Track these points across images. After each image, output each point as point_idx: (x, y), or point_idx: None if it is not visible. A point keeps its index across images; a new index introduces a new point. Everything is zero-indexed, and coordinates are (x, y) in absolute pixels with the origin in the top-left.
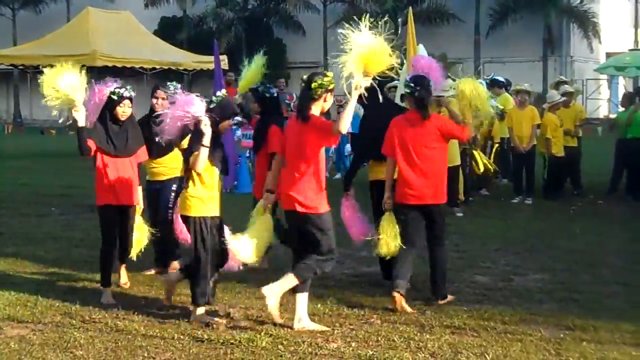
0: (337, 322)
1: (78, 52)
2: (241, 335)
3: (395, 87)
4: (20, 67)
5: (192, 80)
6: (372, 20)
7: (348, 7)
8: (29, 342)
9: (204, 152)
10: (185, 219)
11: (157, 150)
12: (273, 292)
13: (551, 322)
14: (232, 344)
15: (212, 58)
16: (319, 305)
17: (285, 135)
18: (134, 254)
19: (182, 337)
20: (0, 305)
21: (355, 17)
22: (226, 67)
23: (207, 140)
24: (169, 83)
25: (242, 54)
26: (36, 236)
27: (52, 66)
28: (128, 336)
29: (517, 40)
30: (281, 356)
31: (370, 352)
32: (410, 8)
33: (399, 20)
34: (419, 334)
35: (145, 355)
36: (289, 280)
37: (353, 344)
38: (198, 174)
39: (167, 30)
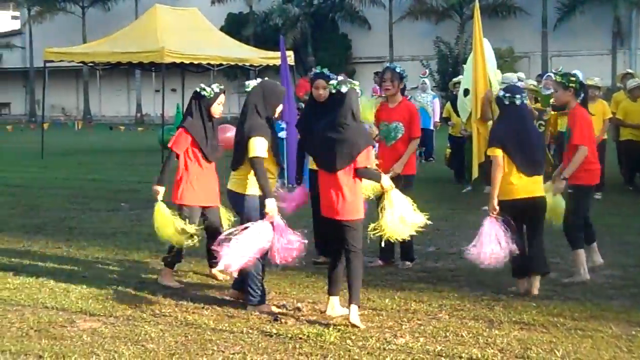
0: (405, 317)
1: (146, 49)
2: (309, 330)
3: (459, 82)
4: (90, 64)
5: (258, 76)
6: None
7: (413, 2)
8: (101, 335)
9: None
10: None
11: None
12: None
13: (622, 318)
14: (300, 338)
15: (278, 54)
16: (386, 301)
17: None
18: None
19: (251, 331)
20: (72, 298)
21: (420, 11)
22: (292, 63)
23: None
24: (247, 82)
25: (307, 50)
26: (106, 231)
27: (120, 64)
28: (198, 330)
29: (585, 33)
30: (349, 351)
31: (439, 348)
32: (477, 1)
33: (464, 14)
34: (487, 329)
35: (215, 349)
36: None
37: (421, 339)
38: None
39: (234, 27)
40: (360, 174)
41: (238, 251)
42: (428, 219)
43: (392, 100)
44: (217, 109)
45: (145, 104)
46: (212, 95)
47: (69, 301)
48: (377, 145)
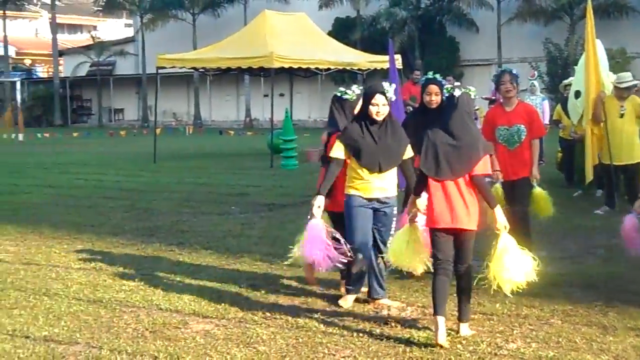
0: (516, 322)
1: (255, 54)
2: (419, 334)
3: (570, 84)
4: (201, 70)
5: (366, 80)
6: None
7: (522, 3)
8: (213, 336)
9: None
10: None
11: None
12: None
13: None
14: (410, 342)
15: (385, 57)
16: (497, 305)
17: None
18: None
19: (361, 334)
20: (186, 300)
21: (529, 12)
22: (400, 67)
23: None
24: (384, 83)
25: (414, 53)
26: (217, 234)
27: (230, 69)
28: (308, 333)
29: None
30: (460, 355)
31: (552, 354)
32: (589, 1)
33: (574, 14)
34: (601, 335)
35: (326, 352)
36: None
37: (533, 345)
38: None
39: (341, 31)
40: (476, 182)
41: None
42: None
43: (509, 104)
44: (372, 110)
45: (254, 108)
46: (354, 98)
47: (183, 303)
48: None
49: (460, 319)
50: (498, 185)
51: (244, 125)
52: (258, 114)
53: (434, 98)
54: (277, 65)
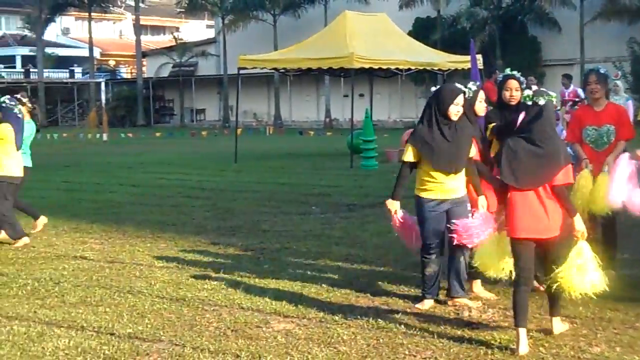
0: (600, 325)
1: (336, 54)
2: (501, 336)
3: None
4: (282, 71)
5: (446, 80)
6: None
7: (606, 2)
8: (294, 336)
9: None
10: None
11: None
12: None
13: None
14: (492, 344)
15: (466, 58)
16: (580, 309)
17: None
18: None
19: (442, 336)
20: (267, 299)
21: (613, 11)
22: (481, 67)
23: None
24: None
25: (495, 53)
26: (298, 234)
27: (311, 70)
28: (389, 334)
29: None
30: (542, 359)
31: (637, 358)
32: None
33: None
34: None
35: (407, 353)
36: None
37: (617, 349)
38: None
39: (421, 31)
40: (557, 192)
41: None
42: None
43: (597, 104)
44: (452, 110)
45: (333, 109)
46: (471, 95)
47: (264, 302)
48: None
49: (552, 314)
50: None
51: (323, 126)
52: (338, 114)
53: (515, 94)
54: (357, 65)
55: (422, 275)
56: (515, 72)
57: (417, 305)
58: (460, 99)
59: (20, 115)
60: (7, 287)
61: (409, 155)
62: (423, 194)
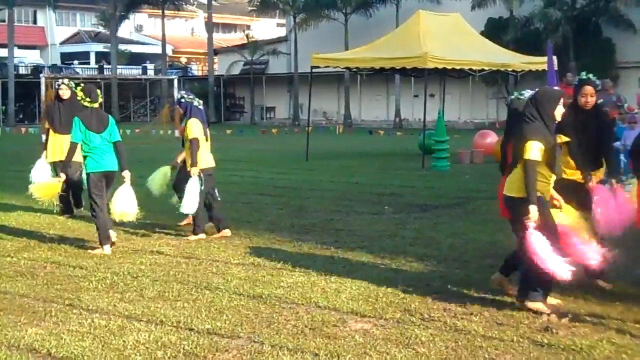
0: None
1: (409, 54)
2: (582, 342)
3: None
4: (354, 70)
5: (519, 81)
6: None
7: None
8: (372, 336)
9: None
10: None
11: None
12: None
13: None
14: (572, 349)
15: (539, 59)
16: None
17: None
18: None
19: (521, 340)
20: (343, 299)
21: None
22: (555, 68)
23: None
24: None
25: (569, 55)
26: (372, 234)
27: (384, 69)
28: (467, 336)
29: None
30: None
31: None
32: None
33: None
34: None
35: (486, 356)
36: None
37: None
38: None
39: (493, 31)
40: None
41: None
42: None
43: None
44: (560, 111)
45: (403, 108)
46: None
47: (340, 301)
48: None
49: None
50: None
51: (393, 126)
52: (408, 114)
53: (590, 100)
54: (430, 65)
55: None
56: (590, 76)
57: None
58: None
59: (200, 107)
60: (87, 280)
61: (537, 154)
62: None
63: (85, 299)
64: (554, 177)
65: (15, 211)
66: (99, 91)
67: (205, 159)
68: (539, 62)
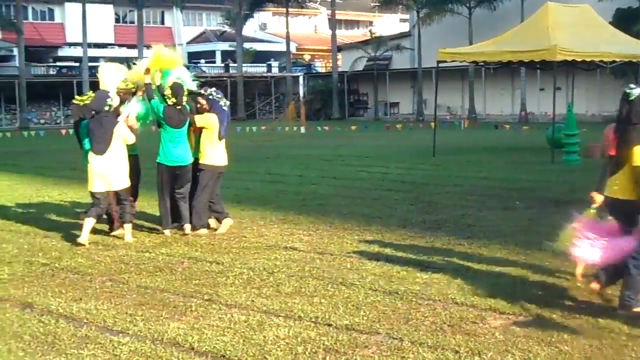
0: None
1: (537, 47)
2: None
3: None
4: (481, 64)
5: None
6: None
7: None
8: (513, 333)
9: None
10: None
11: None
12: None
13: None
14: None
15: None
16: None
17: None
18: None
19: None
20: (480, 295)
21: None
22: None
23: None
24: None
25: None
26: (504, 229)
27: (511, 63)
28: (611, 334)
29: None
30: None
31: None
32: None
33: None
34: None
35: (632, 355)
36: None
37: None
38: None
39: (622, 22)
40: None
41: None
42: None
43: None
44: None
45: (529, 102)
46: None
47: (478, 298)
48: None
49: None
50: None
51: (519, 120)
52: (533, 108)
53: None
54: (560, 58)
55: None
56: None
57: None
58: None
59: (225, 108)
60: (224, 275)
61: None
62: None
63: (223, 294)
64: None
65: (150, 208)
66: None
67: (220, 157)
68: None
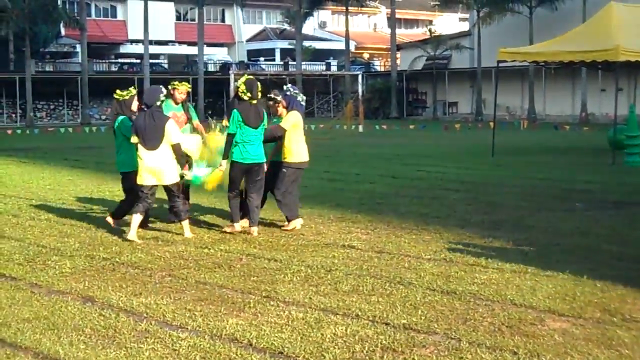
0: None
1: (600, 47)
2: None
3: None
4: (542, 64)
5: None
6: None
7: None
8: (572, 336)
9: None
10: None
11: None
12: None
13: None
14: None
15: None
16: None
17: None
18: None
19: None
20: (540, 297)
21: None
22: None
23: None
24: None
25: None
26: (564, 230)
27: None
28: None
29: None
30: None
31: None
32: None
33: None
34: None
35: None
36: None
37: None
38: None
39: None
40: None
41: None
42: None
43: None
44: None
45: (590, 103)
46: None
47: (537, 299)
48: None
49: None
50: None
51: (579, 121)
52: (594, 108)
53: None
54: (622, 58)
55: None
56: None
57: None
58: None
59: (303, 103)
60: (282, 272)
61: None
62: None
63: (281, 291)
64: None
65: (210, 205)
66: (259, 85)
67: (305, 152)
68: None
